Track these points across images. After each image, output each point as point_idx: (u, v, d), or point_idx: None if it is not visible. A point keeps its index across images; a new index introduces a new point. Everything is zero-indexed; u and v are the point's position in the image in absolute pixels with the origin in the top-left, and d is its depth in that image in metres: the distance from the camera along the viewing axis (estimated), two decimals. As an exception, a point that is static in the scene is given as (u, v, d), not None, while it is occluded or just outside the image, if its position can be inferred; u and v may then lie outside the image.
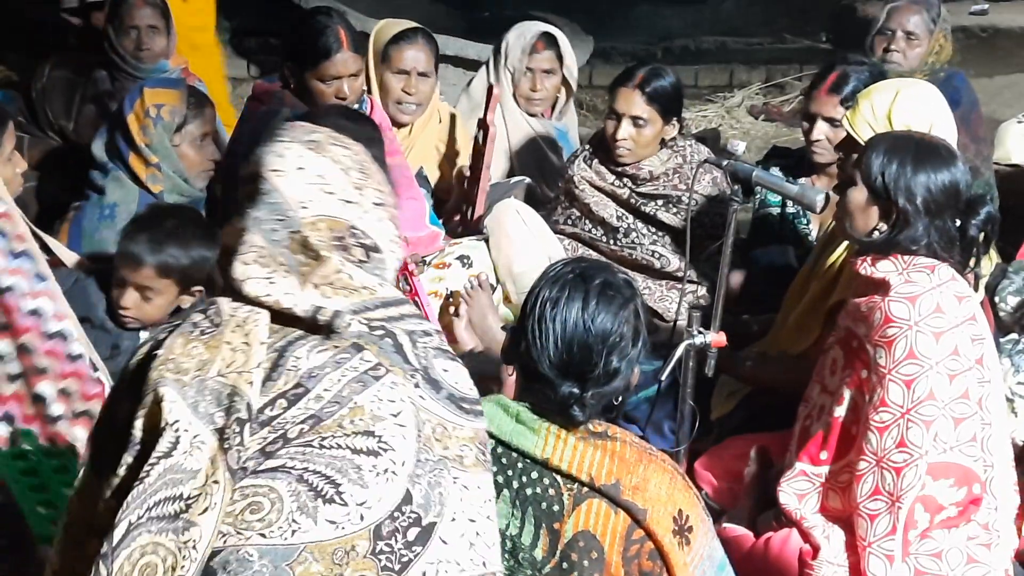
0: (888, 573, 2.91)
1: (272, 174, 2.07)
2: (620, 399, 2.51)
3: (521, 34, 5.13)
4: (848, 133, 3.52)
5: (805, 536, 3.12)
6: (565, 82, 5.27)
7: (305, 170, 2.07)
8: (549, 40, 5.14)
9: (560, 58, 5.16)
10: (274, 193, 2.05)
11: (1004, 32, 7.96)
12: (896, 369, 2.94)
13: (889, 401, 2.94)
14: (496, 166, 4.84)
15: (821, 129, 4.17)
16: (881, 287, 3.04)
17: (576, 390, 2.41)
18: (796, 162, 4.46)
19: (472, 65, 6.41)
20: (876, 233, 3.13)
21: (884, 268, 3.06)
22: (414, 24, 4.77)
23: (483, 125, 4.36)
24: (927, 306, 2.97)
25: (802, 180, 4.29)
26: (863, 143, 3.32)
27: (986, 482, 2.99)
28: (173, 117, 4.00)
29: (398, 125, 4.70)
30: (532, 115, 5.17)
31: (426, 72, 4.66)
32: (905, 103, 3.46)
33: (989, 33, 7.92)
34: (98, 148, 4.04)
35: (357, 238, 2.06)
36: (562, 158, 5.18)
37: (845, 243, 3.49)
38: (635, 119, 4.40)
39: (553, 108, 5.32)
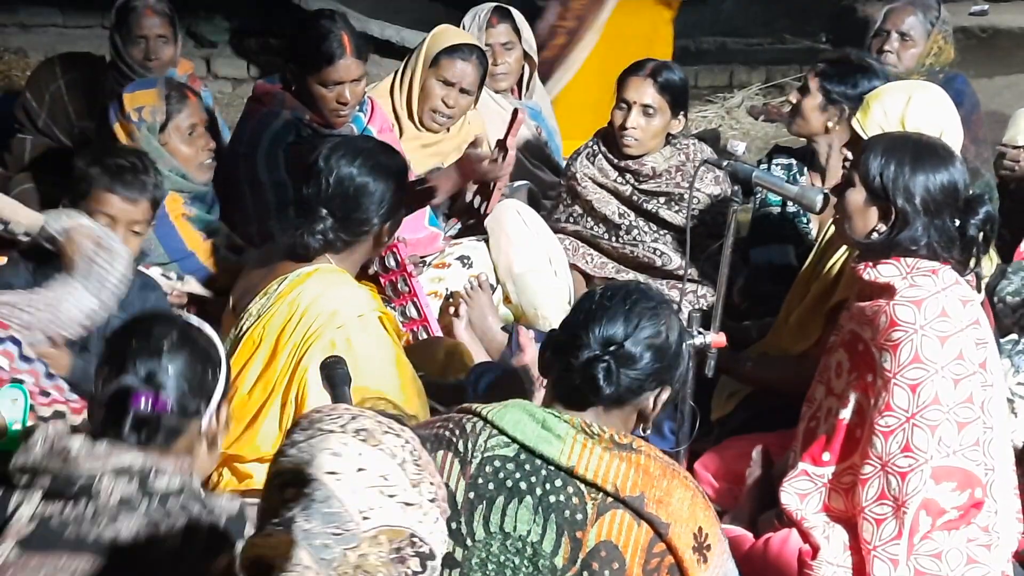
0: (891, 576, 2.91)
1: (329, 477, 1.82)
2: (642, 425, 2.52)
3: (476, 14, 5.20)
4: (858, 135, 3.51)
5: (805, 536, 3.11)
6: (528, 59, 5.31)
7: (366, 471, 1.84)
8: (503, 14, 5.20)
9: (517, 31, 5.21)
10: (331, 500, 1.80)
11: (1004, 32, 7.97)
12: (901, 373, 2.93)
13: (894, 405, 2.93)
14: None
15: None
16: (886, 291, 3.03)
17: (600, 353, 2.40)
18: (797, 161, 4.45)
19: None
20: (875, 234, 3.12)
21: (888, 272, 3.04)
22: (473, 40, 4.81)
23: (501, 145, 4.34)
24: (932, 310, 2.95)
25: (802, 180, 4.30)
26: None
27: (987, 485, 2.99)
28: (154, 116, 3.96)
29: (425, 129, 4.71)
30: (499, 92, 5.18)
31: (468, 90, 4.67)
32: (919, 108, 3.45)
33: (989, 33, 7.92)
34: (102, 153, 4.03)
35: (416, 547, 1.86)
36: (539, 137, 5.19)
37: (846, 243, 3.48)
38: (645, 108, 4.44)
39: (521, 87, 5.36)
